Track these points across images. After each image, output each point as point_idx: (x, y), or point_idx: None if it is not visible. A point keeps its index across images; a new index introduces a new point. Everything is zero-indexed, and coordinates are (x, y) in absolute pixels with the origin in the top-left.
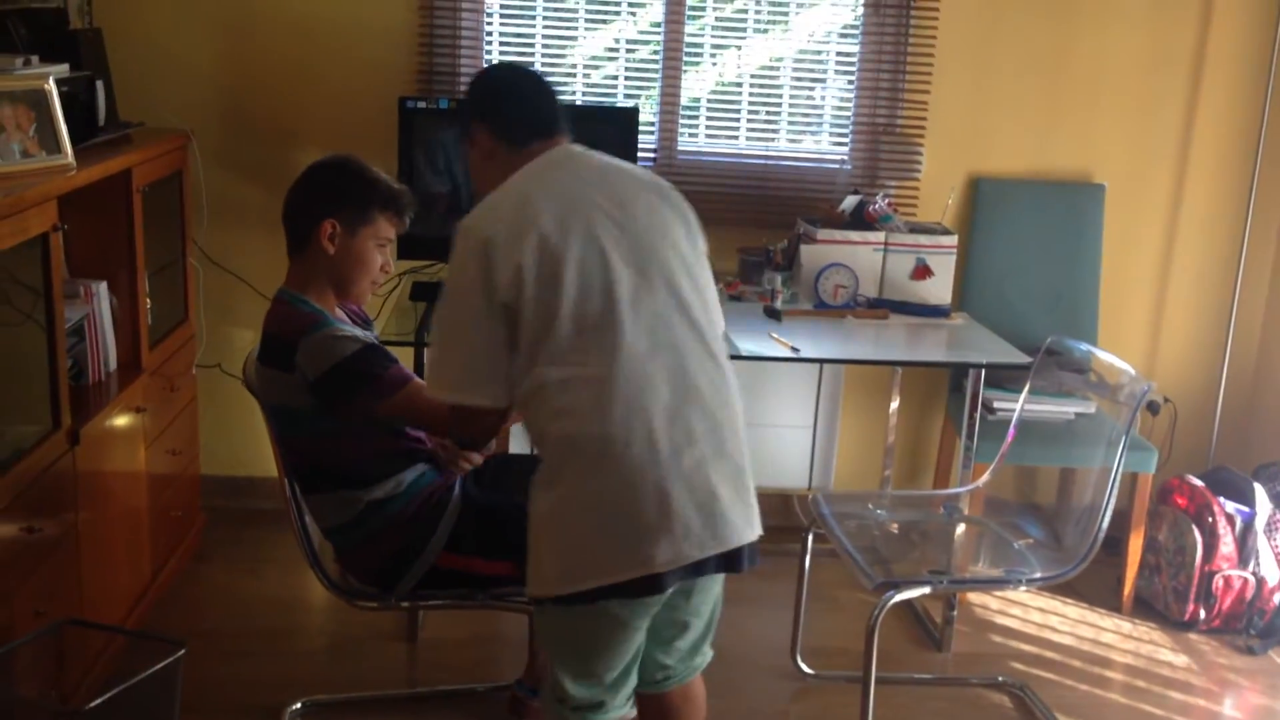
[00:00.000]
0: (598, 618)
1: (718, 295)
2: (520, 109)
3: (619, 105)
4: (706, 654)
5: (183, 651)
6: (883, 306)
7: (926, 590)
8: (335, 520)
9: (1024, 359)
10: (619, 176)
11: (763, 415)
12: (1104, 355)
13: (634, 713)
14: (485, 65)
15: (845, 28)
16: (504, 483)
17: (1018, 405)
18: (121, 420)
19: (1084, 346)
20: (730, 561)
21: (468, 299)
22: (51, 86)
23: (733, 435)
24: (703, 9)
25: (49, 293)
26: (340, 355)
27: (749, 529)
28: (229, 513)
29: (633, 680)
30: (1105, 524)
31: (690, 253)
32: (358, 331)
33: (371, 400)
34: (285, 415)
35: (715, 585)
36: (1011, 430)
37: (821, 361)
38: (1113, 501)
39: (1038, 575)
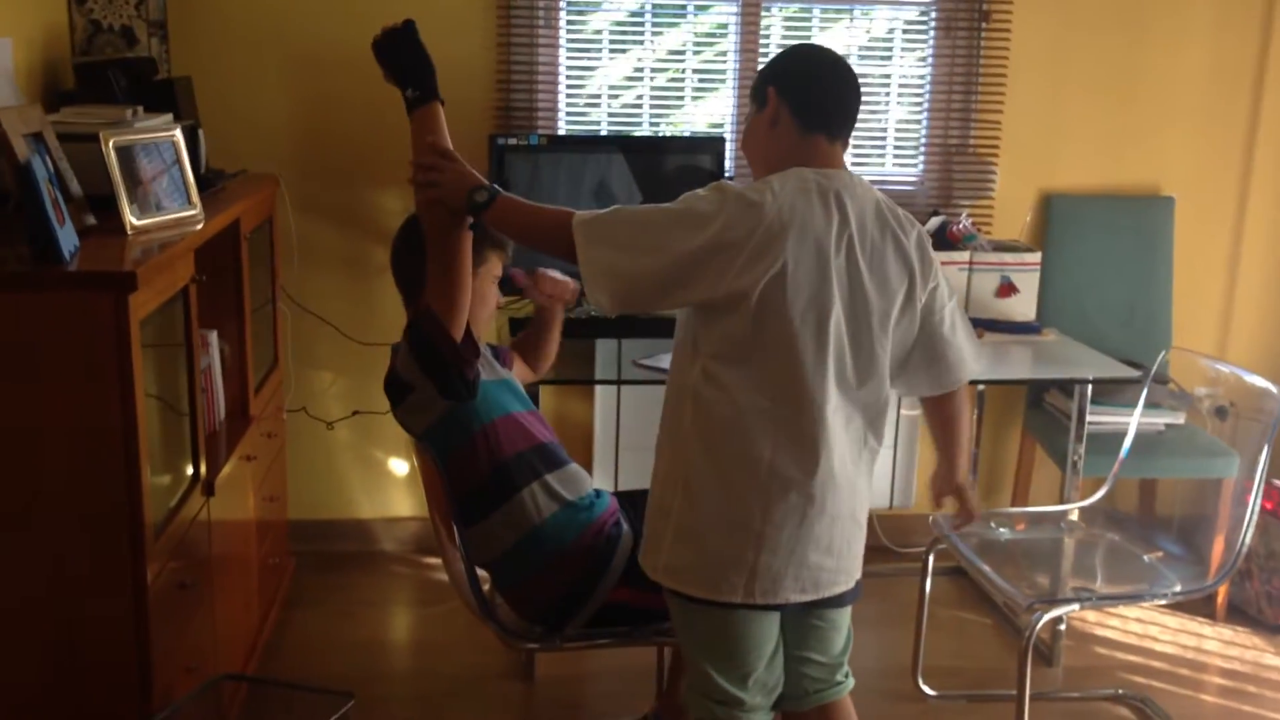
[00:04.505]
0: (710, 618)
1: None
2: (826, 96)
3: (706, 135)
4: (846, 676)
5: (352, 702)
6: (972, 326)
7: (1075, 608)
8: (499, 549)
9: (1130, 373)
10: (884, 231)
11: None
12: (1224, 367)
13: None
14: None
15: (906, 45)
16: None
17: (1133, 418)
18: (239, 469)
19: (1210, 361)
20: (835, 599)
21: (691, 252)
22: (180, 138)
23: (865, 499)
24: (769, 33)
25: (190, 344)
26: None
27: (849, 580)
28: (313, 557)
29: (774, 684)
30: (1249, 537)
31: (904, 314)
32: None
33: (427, 308)
34: (437, 435)
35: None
36: (1127, 443)
37: None
38: (1256, 514)
39: (1178, 589)
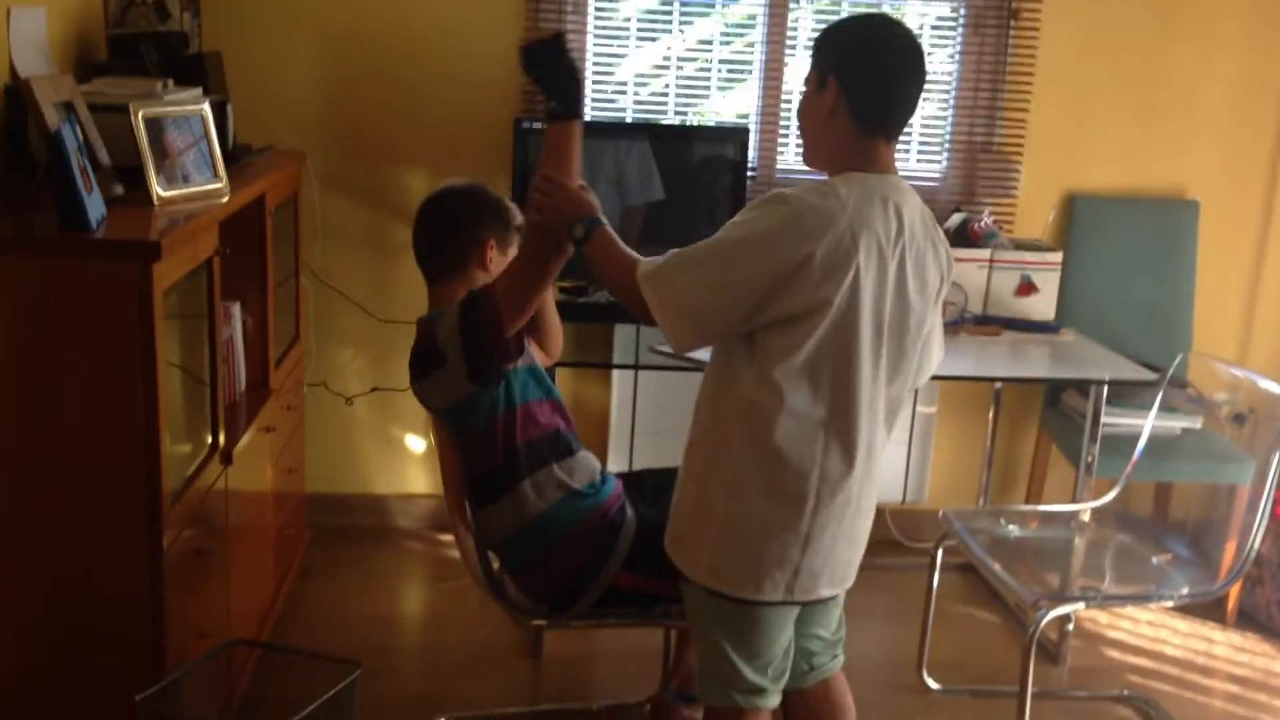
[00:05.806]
0: (747, 614)
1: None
2: (890, 99)
3: (732, 125)
4: (840, 653)
5: (359, 672)
6: (990, 323)
7: (1080, 606)
8: (504, 533)
9: (1147, 375)
10: (927, 238)
11: None
12: (1243, 373)
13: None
14: (859, 19)
15: (935, 42)
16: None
17: (1147, 421)
18: (257, 441)
19: (1229, 366)
20: None
21: (769, 273)
22: (208, 112)
23: (875, 497)
24: (796, 25)
25: (212, 316)
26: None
27: (855, 571)
28: (328, 530)
29: (787, 669)
30: (1258, 542)
31: (931, 316)
32: None
33: (493, 300)
34: (456, 415)
35: None
36: (1141, 445)
37: (953, 380)
38: (1266, 519)
39: (1185, 592)
